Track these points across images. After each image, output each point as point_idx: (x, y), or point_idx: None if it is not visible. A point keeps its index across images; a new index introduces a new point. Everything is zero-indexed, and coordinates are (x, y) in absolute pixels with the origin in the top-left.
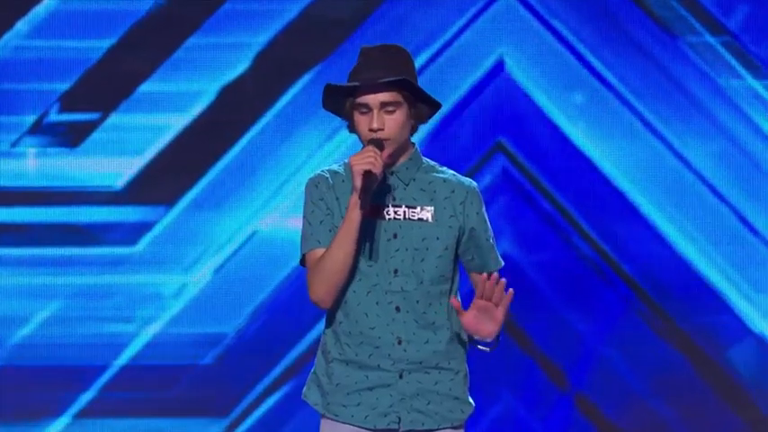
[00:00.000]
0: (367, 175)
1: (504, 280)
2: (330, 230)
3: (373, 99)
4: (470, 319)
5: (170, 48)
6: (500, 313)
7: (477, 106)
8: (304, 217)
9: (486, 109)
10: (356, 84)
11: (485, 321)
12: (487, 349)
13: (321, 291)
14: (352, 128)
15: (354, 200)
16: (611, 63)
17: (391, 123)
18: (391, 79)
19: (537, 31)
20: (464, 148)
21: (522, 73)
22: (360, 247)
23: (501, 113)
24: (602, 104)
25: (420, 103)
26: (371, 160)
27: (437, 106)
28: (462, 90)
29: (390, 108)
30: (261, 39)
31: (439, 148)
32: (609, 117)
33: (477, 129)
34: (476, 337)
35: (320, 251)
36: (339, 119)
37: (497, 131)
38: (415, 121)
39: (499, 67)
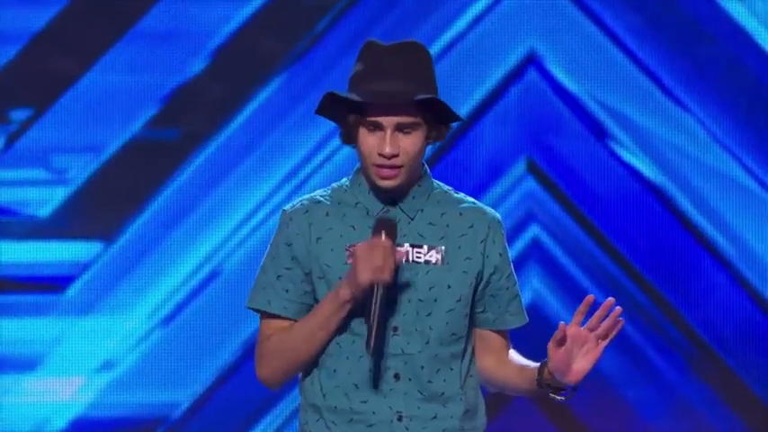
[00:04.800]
0: (375, 284)
1: (619, 308)
2: (287, 291)
3: (388, 120)
4: (562, 354)
5: (108, 40)
6: (600, 349)
7: (499, 114)
8: (265, 257)
9: (511, 117)
10: (371, 101)
11: (577, 357)
12: (563, 399)
13: (273, 376)
14: (348, 138)
15: (346, 295)
16: (666, 59)
17: (407, 147)
18: (419, 98)
19: (576, 18)
20: (482, 168)
21: (557, 71)
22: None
23: (530, 123)
24: (657, 111)
25: (441, 124)
26: (379, 264)
27: (458, 121)
28: (481, 94)
29: (406, 130)
30: (221, 29)
31: (450, 168)
32: (666, 127)
33: (500, 142)
34: (557, 380)
35: (276, 323)
36: (327, 127)
37: (525, 146)
38: (433, 140)
39: (528, 63)
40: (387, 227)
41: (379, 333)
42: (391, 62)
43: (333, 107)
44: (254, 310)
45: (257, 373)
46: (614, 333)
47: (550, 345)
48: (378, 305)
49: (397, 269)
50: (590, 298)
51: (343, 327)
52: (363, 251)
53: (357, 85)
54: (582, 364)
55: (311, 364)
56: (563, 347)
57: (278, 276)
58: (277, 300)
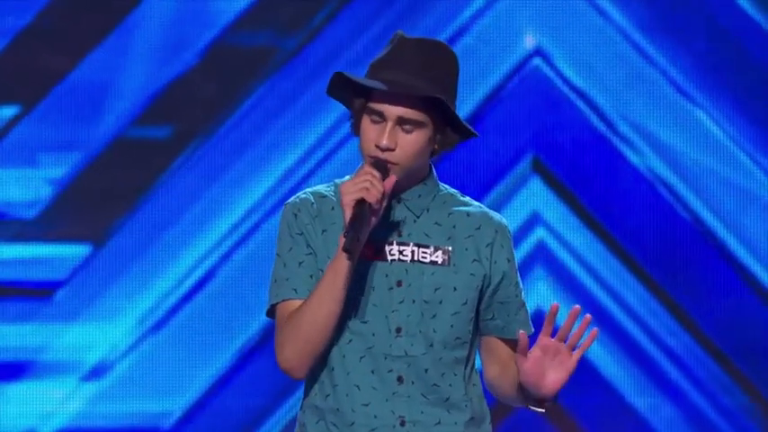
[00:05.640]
0: (359, 205)
1: (589, 315)
2: (312, 276)
3: (390, 110)
4: (532, 364)
5: (97, 35)
6: (574, 360)
7: (502, 112)
8: (278, 255)
9: (515, 114)
10: (373, 86)
11: (550, 369)
12: (542, 411)
13: (294, 357)
14: (356, 127)
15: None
16: (679, 57)
17: (406, 145)
18: (421, 95)
19: (582, 13)
20: (486, 166)
21: (563, 66)
22: (350, 298)
23: (535, 120)
24: (666, 107)
25: (449, 129)
26: (367, 185)
27: (471, 135)
28: (483, 91)
29: (408, 127)
30: (215, 24)
31: (452, 166)
32: (676, 123)
33: (504, 140)
34: (532, 392)
35: (296, 303)
36: (324, 126)
37: (530, 145)
38: (440, 147)
39: (532, 59)
40: (378, 167)
41: (358, 242)
42: (411, 55)
43: (341, 89)
44: (277, 305)
45: (279, 360)
46: (588, 343)
47: (517, 358)
48: (361, 222)
49: (383, 198)
50: (555, 306)
51: (339, 325)
52: (350, 179)
53: (372, 71)
54: (555, 375)
55: (319, 361)
56: (530, 359)
57: (300, 263)
58: (303, 285)
